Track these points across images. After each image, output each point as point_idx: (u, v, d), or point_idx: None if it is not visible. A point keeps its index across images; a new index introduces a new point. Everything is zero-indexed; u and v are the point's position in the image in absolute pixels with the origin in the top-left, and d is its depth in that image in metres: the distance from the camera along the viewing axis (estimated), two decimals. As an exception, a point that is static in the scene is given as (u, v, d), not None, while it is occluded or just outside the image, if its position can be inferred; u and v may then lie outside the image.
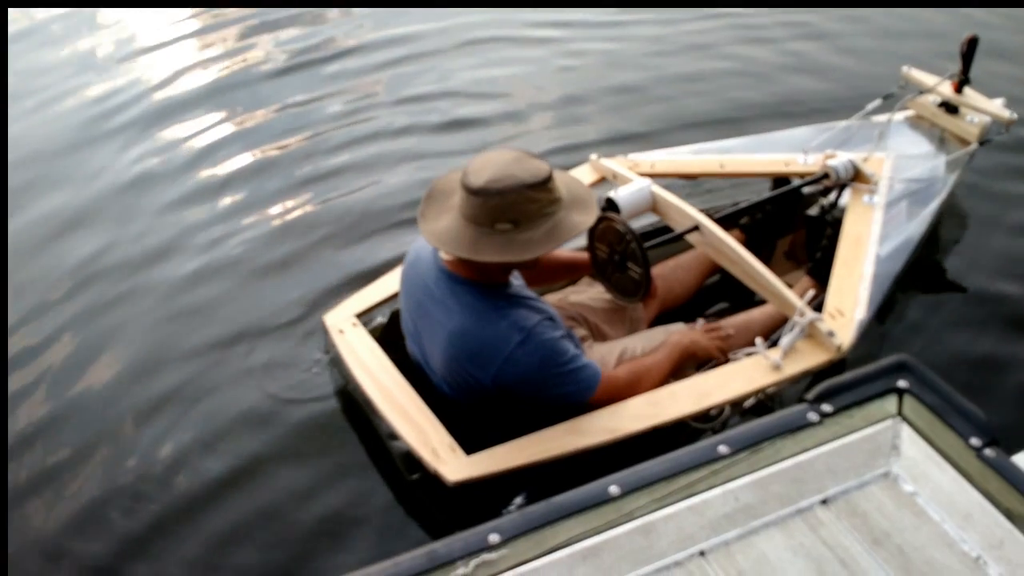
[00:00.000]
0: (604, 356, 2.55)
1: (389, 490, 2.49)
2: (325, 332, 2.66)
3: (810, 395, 1.52)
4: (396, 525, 2.39)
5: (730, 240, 2.63)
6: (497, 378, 2.17)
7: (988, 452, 1.45)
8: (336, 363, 2.64)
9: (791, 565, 1.36)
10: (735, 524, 1.40)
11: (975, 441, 1.46)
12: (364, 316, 2.67)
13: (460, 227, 2.09)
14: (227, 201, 3.87)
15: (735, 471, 1.43)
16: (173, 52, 5.32)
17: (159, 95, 4.83)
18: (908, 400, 1.52)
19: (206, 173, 4.08)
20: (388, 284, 2.74)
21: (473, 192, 2.05)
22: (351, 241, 3.53)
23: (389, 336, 2.61)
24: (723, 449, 1.45)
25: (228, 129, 4.44)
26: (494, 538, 1.30)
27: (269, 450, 2.65)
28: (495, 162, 2.08)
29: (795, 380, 2.42)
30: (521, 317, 2.18)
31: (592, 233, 2.61)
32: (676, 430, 2.30)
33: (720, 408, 2.34)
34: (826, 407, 1.50)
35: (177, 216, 3.80)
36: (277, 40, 5.29)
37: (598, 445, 2.21)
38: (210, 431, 2.73)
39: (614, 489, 1.38)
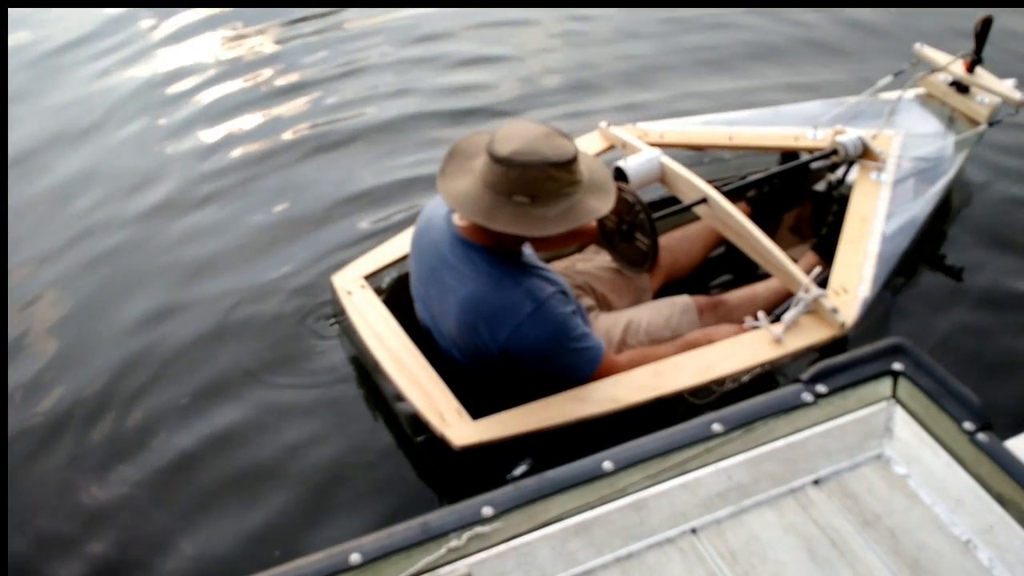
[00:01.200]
0: (610, 328, 2.53)
1: (393, 451, 2.47)
2: (333, 293, 2.63)
3: (805, 375, 1.50)
4: (398, 486, 2.38)
5: (737, 214, 2.59)
6: (505, 345, 2.16)
7: (981, 436, 1.43)
8: (344, 324, 2.63)
9: (782, 544, 1.35)
10: (727, 502, 1.39)
11: (968, 425, 1.44)
12: (372, 278, 2.65)
13: (479, 191, 2.07)
14: (233, 157, 3.84)
15: (728, 449, 1.42)
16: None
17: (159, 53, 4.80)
18: (903, 383, 1.50)
19: (211, 132, 4.05)
20: (396, 246, 2.71)
21: (497, 160, 2.03)
22: (359, 202, 3.49)
23: (396, 299, 2.59)
24: (717, 427, 1.43)
25: (236, 87, 4.42)
26: (487, 511, 1.30)
27: (274, 407, 2.62)
28: (523, 134, 2.06)
29: (798, 355, 2.40)
30: (535, 287, 2.16)
31: None
32: (675, 405, 2.29)
33: (720, 382, 2.32)
34: (821, 388, 1.49)
35: (178, 169, 3.77)
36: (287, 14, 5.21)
37: (602, 414, 2.20)
38: (213, 387, 2.70)
39: (608, 465, 1.37)
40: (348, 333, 2.60)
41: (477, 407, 2.21)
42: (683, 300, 2.64)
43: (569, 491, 1.34)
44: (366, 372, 2.55)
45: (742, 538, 1.36)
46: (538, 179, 2.02)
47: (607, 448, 1.42)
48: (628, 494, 1.35)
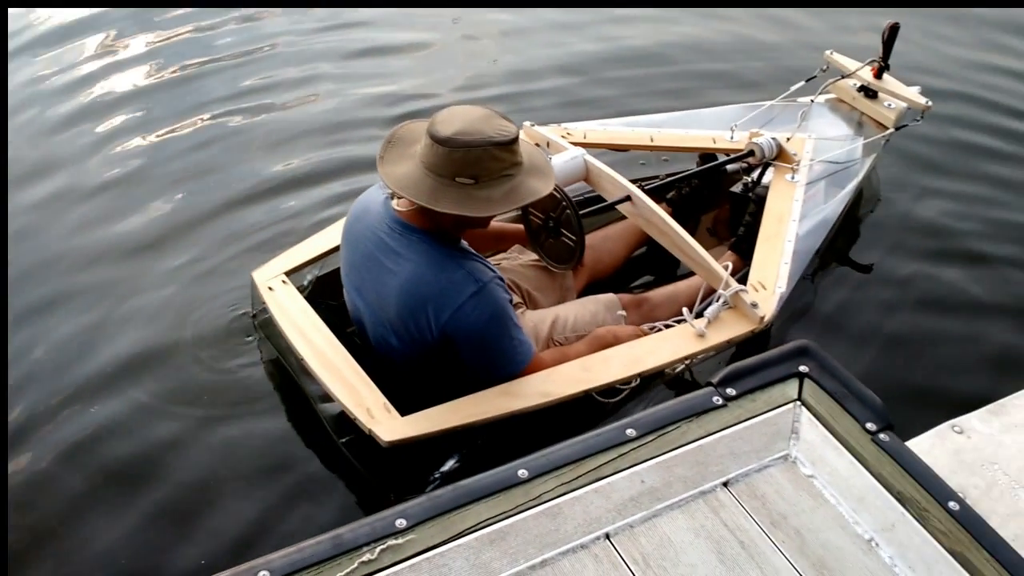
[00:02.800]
0: (537, 324, 2.51)
1: (317, 455, 2.39)
2: (253, 289, 2.54)
3: (715, 379, 1.50)
4: (323, 492, 2.29)
5: (661, 211, 2.61)
6: (446, 327, 2.13)
7: (883, 437, 1.44)
8: (264, 321, 2.55)
9: (692, 547, 1.35)
10: (640, 507, 1.38)
11: (871, 426, 1.45)
12: (293, 276, 2.56)
13: (420, 175, 2.04)
14: (133, 145, 3.68)
15: (641, 454, 1.41)
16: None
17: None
18: (808, 385, 1.51)
19: (108, 121, 3.86)
20: (317, 243, 2.63)
21: (439, 141, 2.00)
22: (267, 192, 3.39)
23: (319, 297, 2.53)
24: (631, 432, 1.42)
25: (139, 75, 4.25)
26: (401, 523, 1.26)
27: (188, 415, 2.49)
28: (464, 116, 2.04)
29: (720, 349, 2.44)
30: (477, 269, 2.14)
31: None
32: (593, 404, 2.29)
33: (643, 376, 2.33)
34: (730, 391, 1.49)
35: (73, 158, 3.59)
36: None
37: (532, 408, 2.18)
38: (109, 385, 2.55)
39: (523, 472, 1.35)
40: (268, 330, 2.52)
41: (404, 404, 2.16)
42: (608, 297, 2.64)
43: (484, 500, 1.31)
44: (287, 371, 2.47)
45: (654, 542, 1.35)
46: (481, 159, 2.01)
47: (536, 443, 1.41)
48: (543, 501, 1.33)
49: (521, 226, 2.70)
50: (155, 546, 2.19)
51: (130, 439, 2.43)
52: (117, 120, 3.86)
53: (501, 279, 2.21)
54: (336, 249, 2.48)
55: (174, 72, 4.25)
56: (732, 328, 2.44)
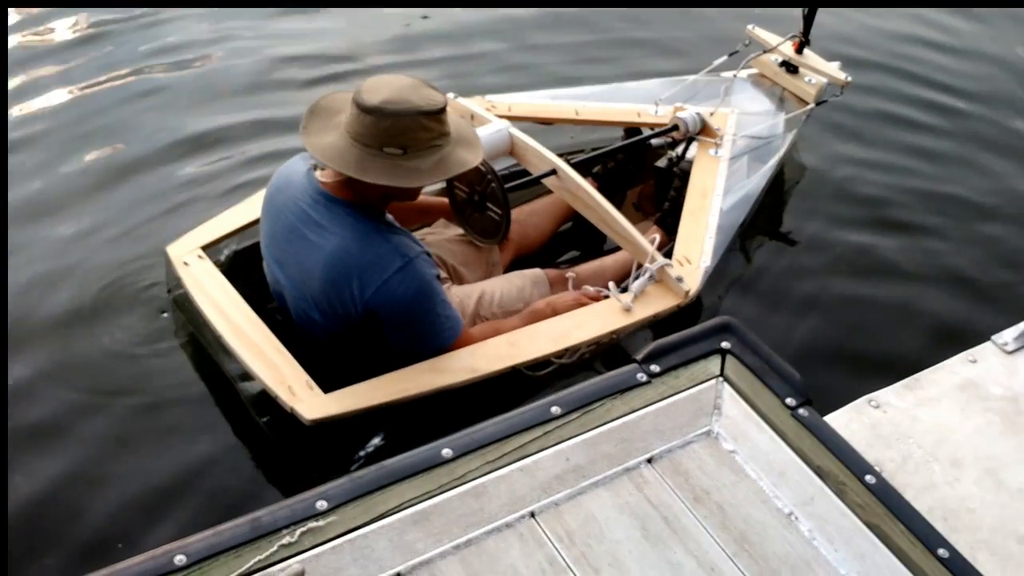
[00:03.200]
0: (463, 299, 2.48)
1: (236, 436, 2.31)
2: (168, 264, 2.43)
3: (639, 355, 1.49)
4: (244, 474, 2.22)
5: (587, 186, 2.60)
6: (371, 302, 2.08)
7: (802, 412, 1.46)
8: (180, 298, 2.45)
9: (617, 523, 1.35)
10: (565, 485, 1.37)
11: (791, 401, 1.47)
12: (210, 251, 2.46)
13: (346, 145, 2.00)
14: (41, 104, 3.53)
15: (566, 432, 1.40)
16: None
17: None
18: (730, 361, 1.52)
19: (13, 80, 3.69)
20: (235, 216, 2.54)
21: (366, 110, 1.96)
22: (191, 160, 3.27)
23: (237, 272, 2.43)
24: (555, 410, 1.41)
25: (44, 34, 4.06)
26: (321, 505, 1.23)
27: (96, 393, 2.37)
28: (392, 84, 2.00)
29: (646, 323, 2.44)
30: (403, 244, 2.10)
31: None
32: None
33: (574, 350, 2.33)
34: (654, 367, 1.49)
35: None
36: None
37: (459, 384, 2.16)
38: (27, 363, 2.43)
39: (447, 452, 1.33)
40: (184, 307, 2.43)
41: (327, 382, 2.10)
42: (535, 272, 2.63)
43: (407, 481, 1.29)
44: (204, 350, 2.39)
45: (579, 519, 1.34)
46: (409, 129, 1.98)
47: (466, 419, 1.40)
48: (467, 481, 1.31)
49: (446, 200, 2.66)
50: (64, 531, 2.09)
51: (30, 417, 2.31)
52: (19, 79, 3.68)
53: (428, 254, 2.17)
54: (255, 222, 2.40)
55: (86, 30, 4.07)
56: (658, 302, 2.45)
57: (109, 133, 3.37)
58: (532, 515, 1.33)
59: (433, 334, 2.18)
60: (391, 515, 1.25)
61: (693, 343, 1.52)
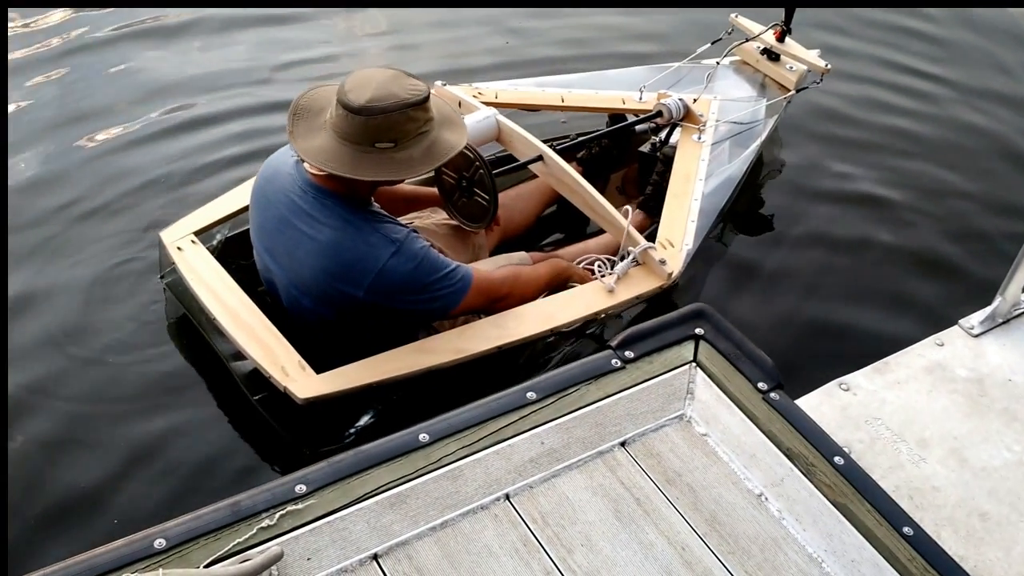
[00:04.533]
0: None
1: (227, 414, 2.32)
2: (161, 249, 2.44)
3: (614, 341, 1.49)
4: (235, 451, 2.24)
5: (572, 170, 2.60)
6: (372, 289, 2.08)
7: (773, 395, 1.46)
8: (173, 282, 2.44)
9: (590, 505, 1.35)
10: (539, 468, 1.37)
11: (762, 385, 1.47)
12: (202, 236, 2.47)
13: (336, 146, 1.99)
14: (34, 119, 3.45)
15: (541, 416, 1.40)
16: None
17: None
18: (704, 347, 1.51)
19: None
20: (227, 203, 2.54)
21: (354, 111, 1.95)
22: (166, 141, 3.26)
23: (229, 257, 2.44)
24: (531, 395, 1.41)
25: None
26: (301, 488, 1.23)
27: (93, 378, 2.37)
28: (374, 80, 1.98)
29: (630, 304, 2.45)
30: (391, 230, 2.10)
31: None
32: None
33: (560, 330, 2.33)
34: (629, 353, 1.49)
35: None
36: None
37: (447, 364, 2.16)
38: (19, 353, 2.42)
39: (424, 436, 1.33)
40: (177, 291, 2.43)
41: (318, 363, 2.11)
42: (520, 255, 2.62)
43: (385, 465, 1.29)
44: (196, 332, 2.38)
45: (553, 501, 1.35)
46: (399, 122, 1.98)
47: (452, 399, 1.40)
48: (444, 465, 1.31)
49: (434, 189, 2.66)
50: (49, 511, 2.08)
51: (17, 396, 2.30)
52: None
53: (415, 231, 2.18)
54: (245, 209, 2.40)
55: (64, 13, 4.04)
56: (641, 284, 2.46)
57: (98, 118, 3.35)
58: (507, 497, 1.34)
59: (447, 290, 2.17)
60: (369, 498, 1.25)
61: (667, 329, 1.52)
